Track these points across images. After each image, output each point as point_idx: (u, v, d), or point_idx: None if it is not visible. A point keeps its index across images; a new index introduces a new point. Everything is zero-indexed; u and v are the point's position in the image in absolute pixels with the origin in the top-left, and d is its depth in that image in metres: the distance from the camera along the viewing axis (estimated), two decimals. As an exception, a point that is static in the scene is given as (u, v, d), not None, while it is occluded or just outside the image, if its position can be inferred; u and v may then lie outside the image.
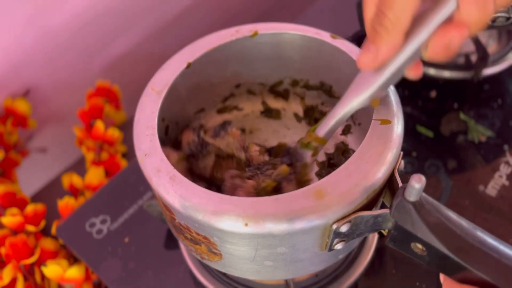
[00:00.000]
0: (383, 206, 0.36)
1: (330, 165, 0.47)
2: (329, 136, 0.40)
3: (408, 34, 0.30)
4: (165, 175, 0.35)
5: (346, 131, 0.48)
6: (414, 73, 0.33)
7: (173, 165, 0.36)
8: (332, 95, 0.48)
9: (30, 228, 0.55)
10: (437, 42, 0.30)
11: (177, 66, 0.42)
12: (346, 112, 0.37)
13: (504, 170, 0.57)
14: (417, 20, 0.30)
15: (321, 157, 0.48)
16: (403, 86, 0.65)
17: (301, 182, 0.41)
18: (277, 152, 0.44)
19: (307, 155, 0.41)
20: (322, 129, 0.39)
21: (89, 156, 0.62)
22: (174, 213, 0.35)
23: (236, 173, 0.42)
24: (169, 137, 0.45)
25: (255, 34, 0.44)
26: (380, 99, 0.41)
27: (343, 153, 0.47)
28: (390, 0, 0.29)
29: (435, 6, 0.29)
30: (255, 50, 0.46)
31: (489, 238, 0.31)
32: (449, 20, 0.29)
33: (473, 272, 0.31)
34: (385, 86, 0.34)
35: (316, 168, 0.47)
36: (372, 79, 0.34)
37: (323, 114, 0.49)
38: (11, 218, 0.55)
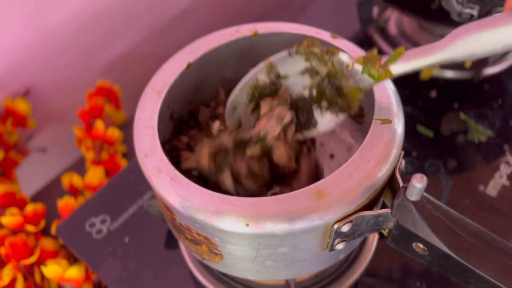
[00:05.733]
0: (384, 206, 0.36)
1: None
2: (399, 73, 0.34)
3: None
4: (166, 175, 0.35)
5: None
6: None
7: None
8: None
9: (30, 228, 0.55)
10: None
11: (177, 66, 0.42)
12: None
13: (504, 170, 0.57)
14: None
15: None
16: (403, 86, 0.64)
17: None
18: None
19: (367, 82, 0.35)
20: (401, 66, 0.33)
21: (89, 156, 0.62)
22: (175, 213, 0.35)
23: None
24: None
25: (255, 34, 0.44)
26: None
27: None
28: None
29: None
30: (255, 50, 0.45)
31: (490, 237, 0.31)
32: None
33: (475, 271, 0.31)
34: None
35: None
36: None
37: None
38: (10, 218, 0.55)
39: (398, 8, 0.61)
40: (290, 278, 0.46)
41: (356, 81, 0.36)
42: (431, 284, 0.49)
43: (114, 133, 0.63)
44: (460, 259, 0.32)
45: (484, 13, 0.52)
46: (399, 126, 0.36)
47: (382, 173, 0.34)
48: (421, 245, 0.33)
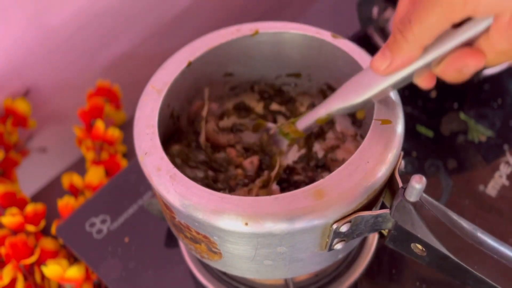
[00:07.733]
0: (383, 206, 0.36)
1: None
2: (307, 131, 0.42)
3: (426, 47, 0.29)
4: (165, 174, 0.35)
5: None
6: (426, 84, 0.32)
7: None
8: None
9: (30, 228, 0.55)
10: (450, 64, 0.29)
11: (177, 64, 0.42)
12: (329, 112, 0.38)
13: (504, 170, 0.57)
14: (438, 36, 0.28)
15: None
16: (403, 86, 0.64)
17: (271, 167, 0.44)
18: (257, 128, 0.46)
19: (284, 143, 0.44)
20: (302, 123, 0.41)
21: (89, 156, 0.62)
22: (174, 212, 0.35)
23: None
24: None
25: (256, 33, 0.44)
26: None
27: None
28: (421, 12, 0.27)
29: (459, 27, 0.28)
30: (256, 49, 0.45)
31: (488, 238, 0.31)
32: (468, 45, 0.28)
33: (473, 272, 0.31)
34: (384, 92, 0.34)
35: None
36: (375, 83, 0.33)
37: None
38: (11, 218, 0.55)
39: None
40: (289, 278, 0.46)
41: (277, 144, 0.44)
42: (431, 284, 0.49)
43: (114, 133, 0.63)
44: (458, 260, 0.32)
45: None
46: (398, 126, 0.36)
47: (382, 174, 0.34)
48: (419, 246, 0.33)
